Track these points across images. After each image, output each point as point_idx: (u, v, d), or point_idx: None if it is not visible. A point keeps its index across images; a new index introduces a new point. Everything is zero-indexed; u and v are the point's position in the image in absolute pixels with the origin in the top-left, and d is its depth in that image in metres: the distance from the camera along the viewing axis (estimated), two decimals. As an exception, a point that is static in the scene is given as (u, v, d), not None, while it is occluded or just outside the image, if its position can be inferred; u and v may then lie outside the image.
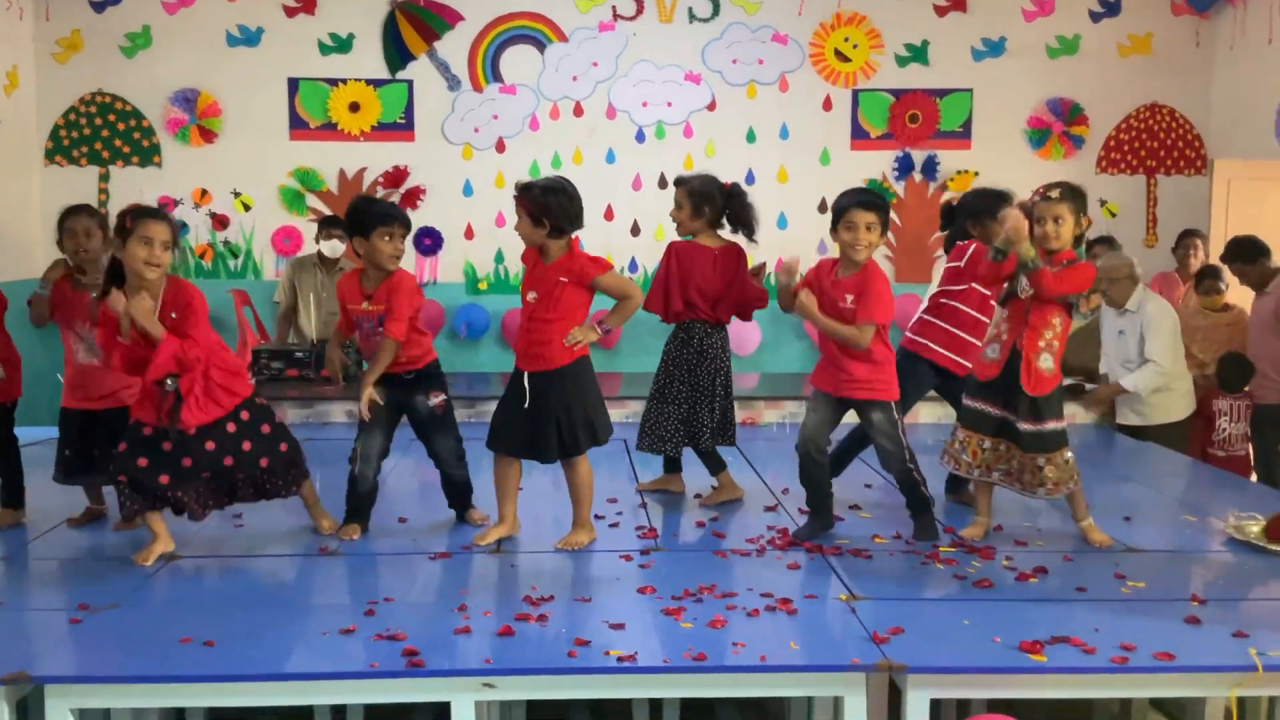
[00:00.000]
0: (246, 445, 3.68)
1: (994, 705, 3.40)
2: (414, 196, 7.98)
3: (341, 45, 7.91)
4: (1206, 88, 8.09)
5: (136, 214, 3.50)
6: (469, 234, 8.05)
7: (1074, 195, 3.72)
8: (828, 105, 8.07)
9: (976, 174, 7.94)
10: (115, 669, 2.78)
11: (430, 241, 8.01)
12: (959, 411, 4.00)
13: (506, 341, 7.91)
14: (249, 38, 7.87)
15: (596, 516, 3.99)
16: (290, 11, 7.86)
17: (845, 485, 4.45)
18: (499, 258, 8.06)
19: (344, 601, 3.28)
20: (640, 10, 7.97)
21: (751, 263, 4.47)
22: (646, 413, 4.45)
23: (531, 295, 3.77)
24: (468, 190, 8.03)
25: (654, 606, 3.19)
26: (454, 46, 7.95)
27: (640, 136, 8.05)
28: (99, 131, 7.88)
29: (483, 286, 8.08)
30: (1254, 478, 5.74)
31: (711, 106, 8.06)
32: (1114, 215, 8.11)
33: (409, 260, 7.66)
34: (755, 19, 8.00)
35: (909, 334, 4.43)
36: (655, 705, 3.64)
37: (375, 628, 2.98)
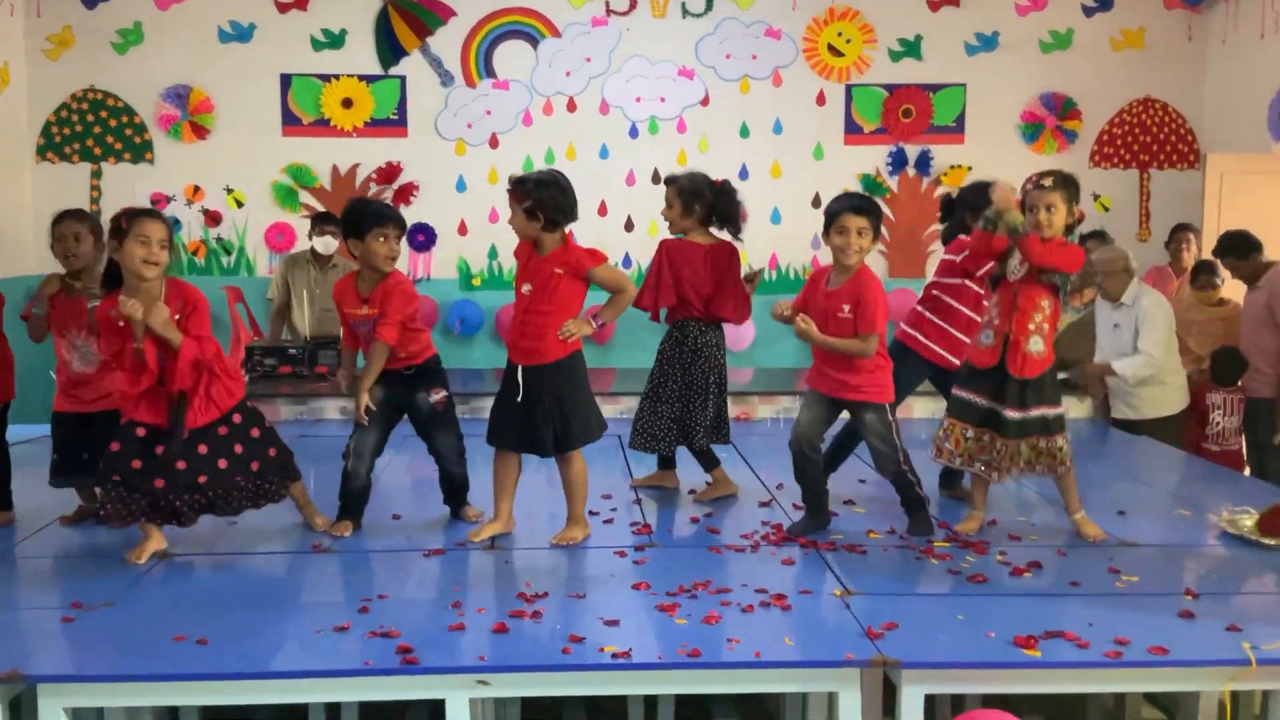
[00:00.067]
0: (238, 448, 3.67)
1: (988, 700, 3.41)
2: (407, 192, 7.96)
3: (334, 41, 7.89)
4: (1199, 82, 8.10)
5: (132, 215, 3.48)
6: (462, 230, 8.05)
7: (1066, 184, 3.73)
8: (821, 100, 8.07)
9: (970, 169, 7.95)
10: (108, 668, 2.77)
11: (424, 237, 8.00)
12: (948, 402, 4.01)
13: (501, 337, 7.90)
14: (241, 33, 7.85)
15: (591, 513, 3.99)
16: (282, 7, 7.84)
17: (839, 481, 4.44)
18: (493, 253, 8.05)
19: (338, 599, 3.28)
20: (633, 5, 7.96)
21: (745, 261, 4.46)
22: (640, 411, 4.44)
23: (526, 287, 3.77)
24: (461, 186, 8.02)
25: (649, 603, 3.18)
26: (447, 42, 7.93)
27: (634, 132, 8.04)
28: (91, 128, 7.85)
29: (476, 282, 8.08)
30: (1247, 472, 5.75)
31: (705, 101, 8.05)
32: (1107, 209, 8.13)
33: (403, 256, 7.64)
34: (748, 14, 7.99)
35: (903, 325, 4.44)
36: (650, 701, 3.65)
37: (369, 625, 2.98)
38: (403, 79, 7.94)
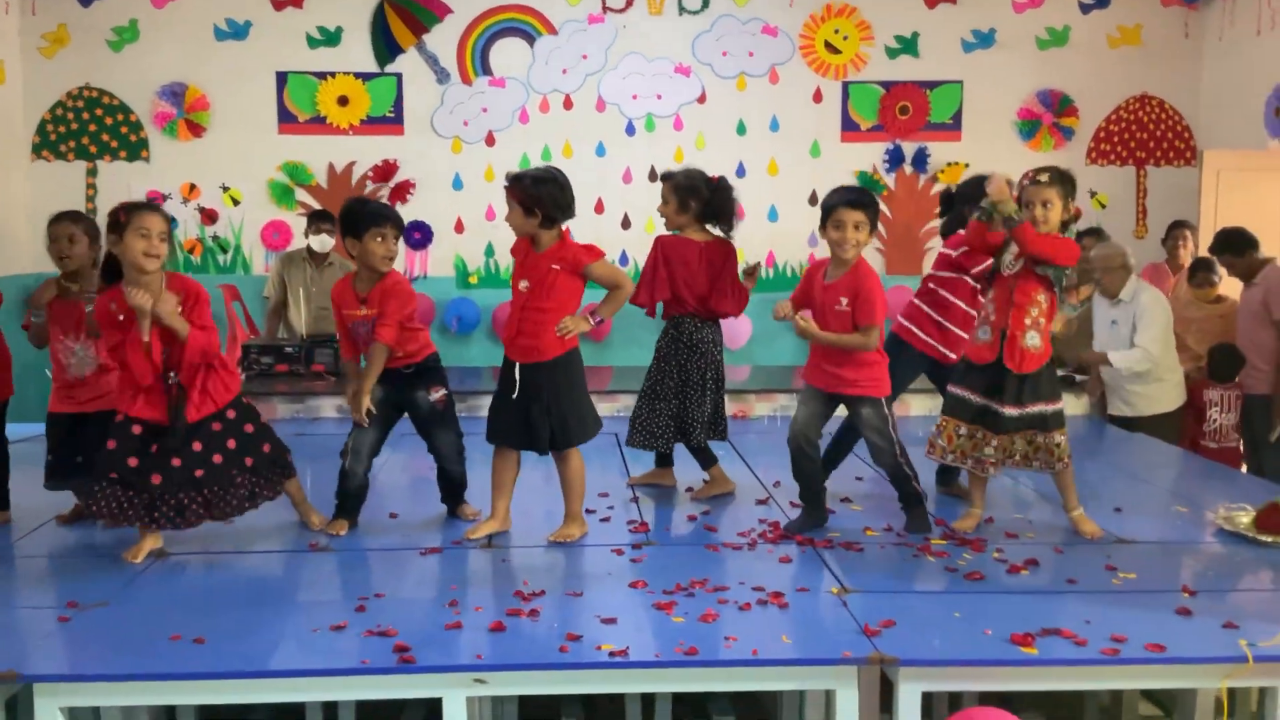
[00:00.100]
0: (232, 443, 3.65)
1: (986, 698, 3.41)
2: (403, 190, 7.96)
3: (330, 38, 7.87)
4: (1196, 79, 8.10)
5: (130, 208, 3.48)
6: (459, 228, 8.04)
7: (1063, 180, 3.73)
8: (818, 97, 8.06)
9: (967, 166, 7.95)
10: (105, 667, 2.76)
11: (420, 235, 7.99)
12: (944, 398, 4.01)
13: (498, 335, 7.90)
14: (237, 31, 7.83)
15: (588, 511, 3.98)
16: (278, 5, 7.83)
17: (836, 478, 4.43)
18: (489, 251, 8.05)
19: (335, 598, 3.27)
20: (630, 2, 7.96)
21: (742, 258, 4.46)
22: (638, 409, 4.44)
23: (524, 285, 3.77)
24: (457, 184, 8.01)
25: (646, 601, 3.18)
26: (443, 39, 7.93)
27: (630, 129, 8.04)
28: (86, 126, 7.84)
29: (473, 280, 8.07)
30: (1244, 469, 5.75)
31: (702, 99, 8.04)
32: (1104, 206, 8.13)
33: (399, 255, 7.63)
34: (745, 11, 7.99)
35: (900, 318, 4.44)
36: (647, 700, 3.64)
37: (366, 624, 2.97)
38: (399, 76, 7.93)
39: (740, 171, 7.90)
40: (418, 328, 3.98)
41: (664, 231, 4.44)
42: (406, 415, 4.03)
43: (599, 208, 7.96)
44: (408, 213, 7.73)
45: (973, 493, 3.99)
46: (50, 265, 4.11)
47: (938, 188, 8.02)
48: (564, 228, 3.79)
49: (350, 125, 7.92)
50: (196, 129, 7.88)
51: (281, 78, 7.88)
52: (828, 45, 8.04)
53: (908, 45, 8.04)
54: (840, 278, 3.83)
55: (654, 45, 7.99)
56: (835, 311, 3.82)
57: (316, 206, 7.57)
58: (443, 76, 7.95)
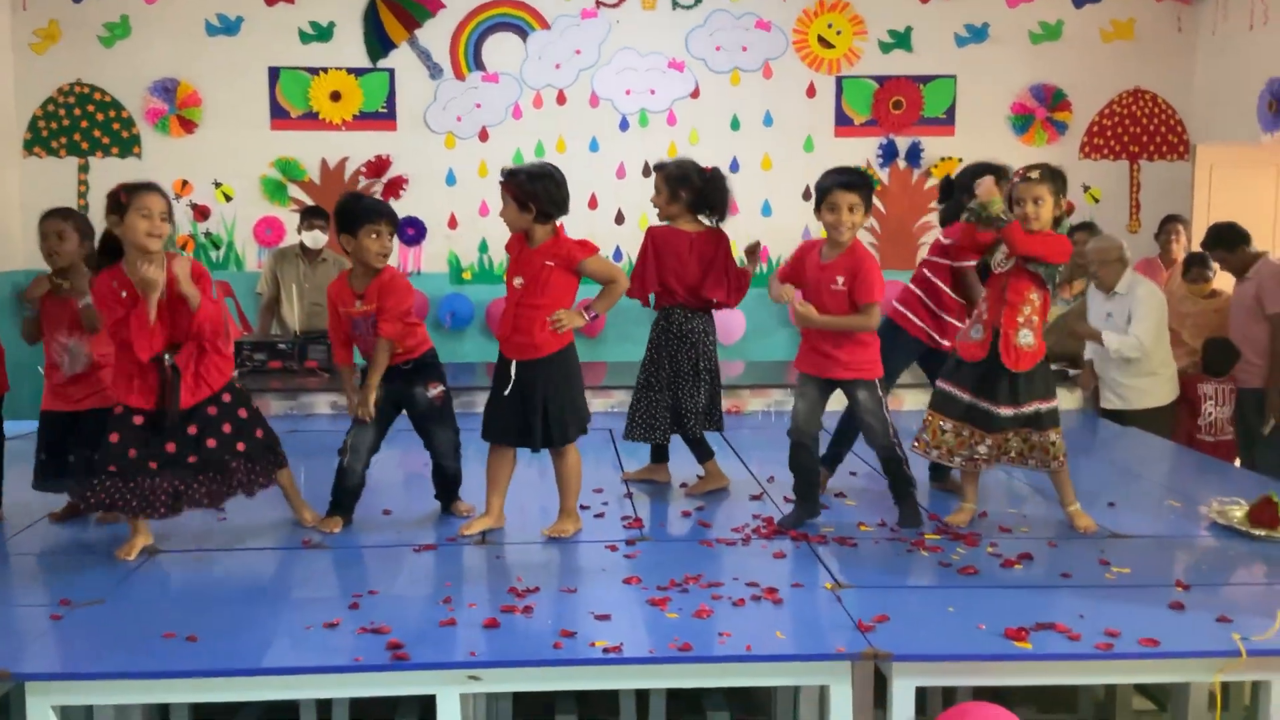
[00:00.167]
0: (227, 428, 3.65)
1: (980, 693, 3.41)
2: (396, 186, 7.94)
3: (322, 34, 7.85)
4: (1189, 73, 8.11)
5: (131, 189, 3.48)
6: (452, 224, 8.03)
7: (1053, 176, 3.73)
8: (811, 92, 8.06)
9: (960, 160, 7.94)
10: (97, 665, 2.75)
11: (413, 231, 7.98)
12: (932, 393, 4.01)
13: (491, 331, 7.88)
14: (228, 26, 7.81)
15: (581, 507, 3.98)
16: (270, 0, 7.80)
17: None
18: (483, 247, 8.03)
19: (328, 595, 3.26)
20: (623, -3, 7.95)
21: (735, 248, 4.45)
22: (634, 402, 4.44)
23: (518, 281, 3.76)
24: (451, 179, 7.99)
25: (640, 597, 3.18)
26: (435, 34, 7.91)
27: (624, 124, 8.03)
28: (78, 122, 7.81)
29: (467, 276, 8.06)
30: (1237, 463, 5.76)
31: (695, 94, 8.04)
32: (1097, 201, 8.13)
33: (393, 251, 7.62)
34: (738, 5, 7.98)
35: (894, 303, 4.44)
36: (641, 696, 3.64)
37: (360, 621, 2.97)
38: (391, 72, 7.91)
39: (734, 166, 7.89)
40: (415, 323, 3.98)
41: (657, 224, 4.44)
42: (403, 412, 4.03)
43: (592, 203, 7.95)
44: (401, 208, 7.71)
45: (965, 488, 3.99)
46: (43, 262, 4.09)
47: (932, 182, 8.03)
48: (558, 224, 3.79)
49: (343, 121, 7.90)
50: (188, 125, 7.85)
51: (274, 73, 7.85)
52: (821, 40, 8.03)
53: (901, 40, 8.04)
54: (837, 258, 3.83)
55: (647, 40, 7.98)
56: (831, 291, 3.81)
57: (309, 202, 7.55)
58: (436, 72, 7.93)
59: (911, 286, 4.43)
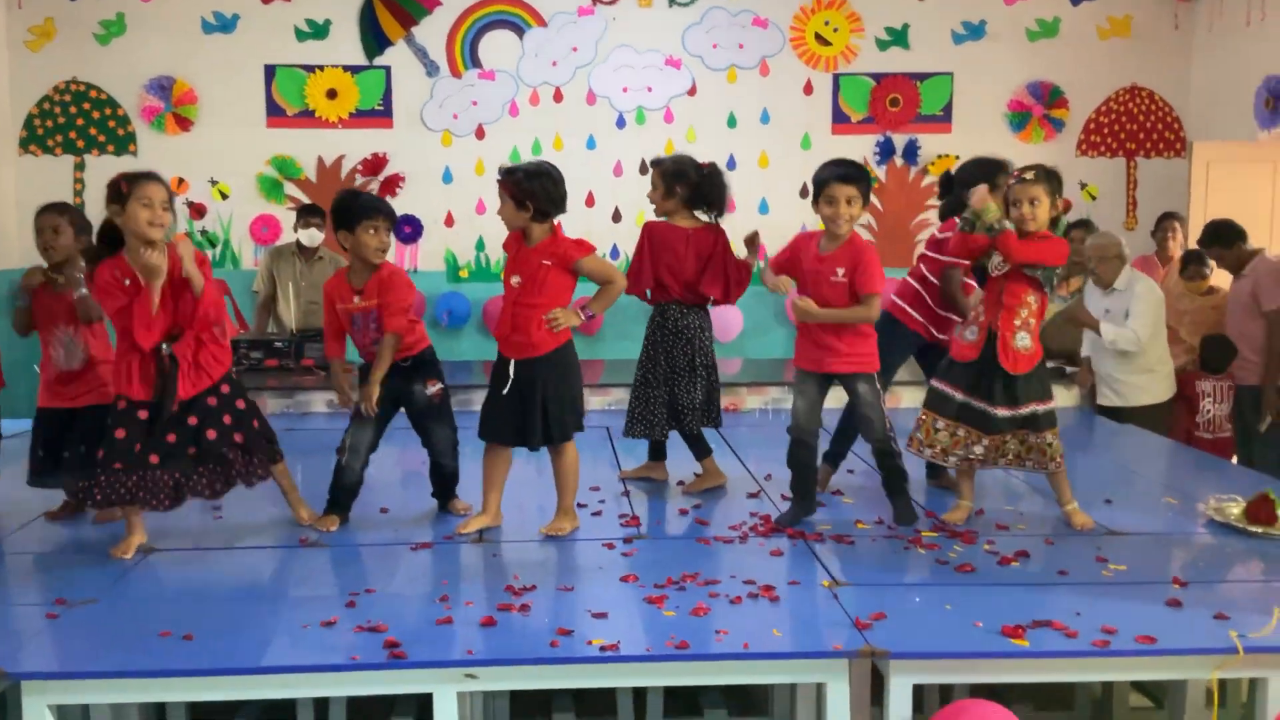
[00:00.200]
0: (226, 419, 3.66)
1: (977, 690, 3.41)
2: (393, 184, 7.93)
3: (318, 31, 7.84)
4: (1186, 70, 8.11)
5: (132, 178, 3.48)
6: (449, 221, 8.02)
7: (1049, 177, 3.73)
8: (809, 89, 8.05)
9: (957, 158, 7.93)
10: (93, 664, 2.75)
11: (410, 229, 7.97)
12: (926, 392, 4.01)
13: (488, 329, 7.88)
14: (224, 24, 7.80)
15: (579, 505, 3.98)
16: (266, -3, 7.80)
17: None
18: (480, 245, 8.03)
19: (325, 593, 3.26)
20: (619, -5, 7.94)
21: (733, 245, 4.45)
22: (632, 399, 4.44)
23: (515, 280, 3.76)
24: (447, 177, 7.98)
25: (637, 595, 3.18)
26: (432, 32, 7.90)
27: (621, 122, 8.02)
28: (74, 120, 7.80)
29: (464, 274, 8.05)
30: (1234, 459, 5.77)
31: (692, 91, 8.03)
32: (1094, 198, 8.13)
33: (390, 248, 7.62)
34: (735, 3, 7.97)
35: (892, 297, 4.44)
36: (639, 694, 3.64)
37: (356, 619, 2.96)
38: (387, 69, 7.90)
39: (731, 164, 7.88)
40: (414, 319, 3.98)
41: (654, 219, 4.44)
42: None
43: (589, 201, 7.94)
44: (397, 206, 7.62)
45: (961, 485, 3.99)
46: (39, 259, 4.08)
47: (929, 179, 8.03)
48: (556, 222, 3.78)
49: (339, 119, 7.89)
50: (184, 123, 7.84)
51: (270, 71, 7.84)
52: (818, 37, 8.03)
53: (898, 37, 8.04)
54: (836, 250, 3.83)
55: (644, 37, 7.97)
56: (831, 283, 3.81)
57: (305, 200, 7.54)
58: (432, 69, 7.92)
59: (909, 280, 4.43)
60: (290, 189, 7.91)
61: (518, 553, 3.63)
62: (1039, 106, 8.11)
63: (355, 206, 3.84)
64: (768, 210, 8.01)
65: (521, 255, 3.76)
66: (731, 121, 8.05)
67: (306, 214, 6.76)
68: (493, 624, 2.94)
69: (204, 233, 7.90)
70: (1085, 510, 3.90)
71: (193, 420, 3.59)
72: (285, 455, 3.89)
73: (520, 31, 7.93)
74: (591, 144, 8.00)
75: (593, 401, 3.97)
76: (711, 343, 4.46)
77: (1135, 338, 5.46)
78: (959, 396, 3.84)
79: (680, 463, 4.55)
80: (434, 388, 3.98)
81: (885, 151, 8.10)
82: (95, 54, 7.77)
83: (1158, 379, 5.67)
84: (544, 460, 3.93)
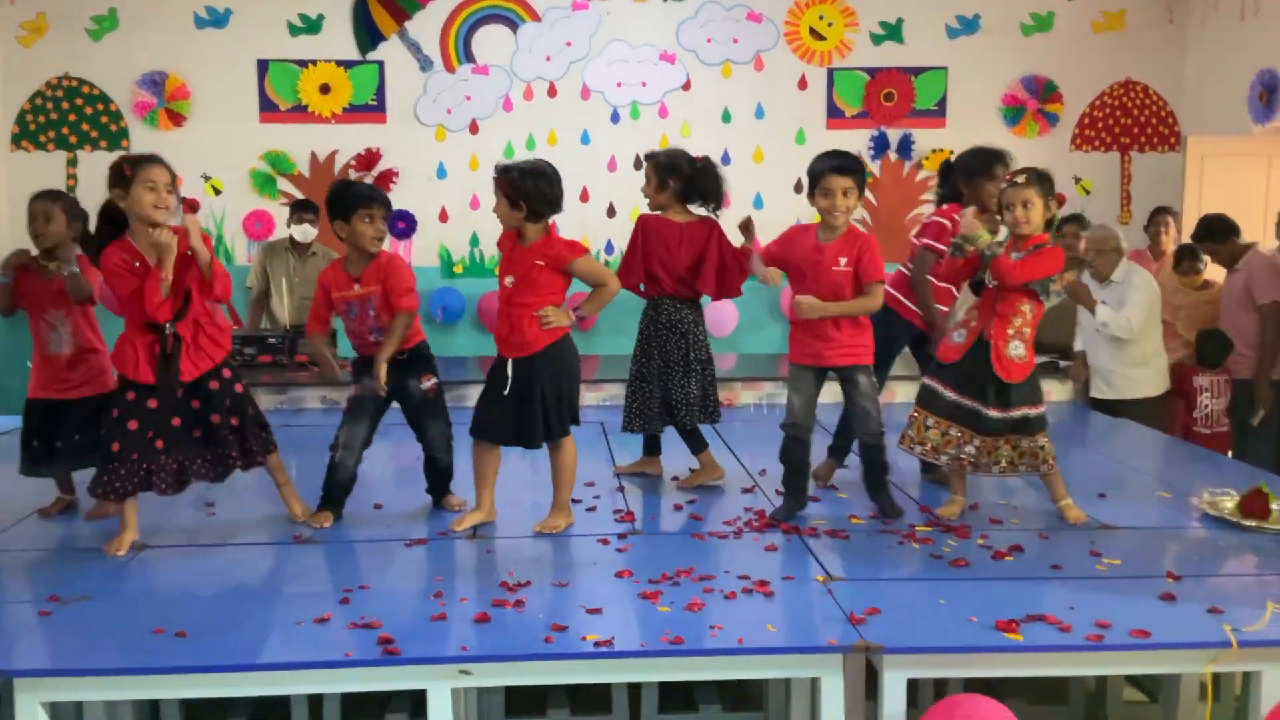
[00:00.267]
0: (227, 402, 3.68)
1: (971, 684, 3.42)
2: (387, 179, 7.91)
3: (311, 26, 7.82)
4: (1180, 64, 8.11)
5: (134, 162, 3.49)
6: (443, 217, 8.00)
7: (1041, 180, 3.72)
8: (803, 84, 8.05)
9: (952, 152, 7.92)
10: (87, 661, 2.74)
11: (404, 225, 7.95)
12: (919, 388, 4.01)
13: (483, 325, 7.88)
14: (217, 19, 7.77)
15: (573, 500, 3.97)
16: (258, -8, 7.77)
17: (817, 465, 4.45)
18: (474, 241, 8.01)
19: (319, 590, 3.25)
20: (613, -11, 7.92)
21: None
22: (628, 393, 4.44)
23: (509, 280, 3.75)
24: (441, 173, 7.97)
25: (631, 590, 3.17)
26: (425, 26, 7.88)
27: (615, 117, 8.01)
28: (66, 116, 7.77)
29: (458, 270, 8.04)
30: (1230, 453, 5.78)
31: (686, 86, 8.02)
32: (1088, 192, 8.14)
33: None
34: (729, -3, 7.96)
35: (886, 287, 4.44)
36: (633, 689, 3.64)
37: (350, 616, 2.96)
38: (381, 64, 7.88)
39: (725, 159, 7.87)
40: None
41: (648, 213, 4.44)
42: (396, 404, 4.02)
43: (584, 196, 7.93)
44: (391, 202, 7.66)
45: (954, 480, 3.99)
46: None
47: (924, 174, 8.02)
48: (550, 222, 3.77)
49: (332, 114, 7.87)
50: (177, 118, 7.82)
51: (262, 66, 7.82)
52: (812, 32, 8.02)
53: (892, 31, 8.03)
54: (837, 239, 3.83)
55: (638, 32, 7.96)
56: (833, 272, 3.80)
57: (299, 196, 7.53)
58: (425, 64, 7.90)
59: (903, 269, 4.43)
60: (283, 184, 7.89)
61: (512, 549, 3.63)
62: (1033, 101, 8.11)
63: (350, 195, 3.84)
64: (762, 205, 8.00)
65: (515, 255, 3.75)
66: (726, 116, 8.04)
67: (300, 210, 6.75)
68: (487, 620, 2.94)
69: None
70: (1079, 505, 3.90)
71: (195, 404, 3.62)
72: (279, 451, 3.88)
73: (514, 26, 7.91)
74: (586, 139, 7.99)
75: (587, 397, 3.97)
76: (706, 337, 4.46)
77: (1128, 325, 5.46)
78: (950, 395, 3.84)
79: (676, 458, 4.55)
80: (429, 382, 3.98)
81: (880, 146, 8.09)
82: (87, 49, 7.74)
83: (1152, 373, 5.67)
84: (538, 456, 3.92)
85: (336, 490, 3.93)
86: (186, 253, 3.51)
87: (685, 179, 4.32)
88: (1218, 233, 5.94)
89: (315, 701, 3.66)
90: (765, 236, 4.46)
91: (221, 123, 7.81)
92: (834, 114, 8.07)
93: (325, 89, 7.84)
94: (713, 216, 4.42)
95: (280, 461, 3.89)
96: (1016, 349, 3.76)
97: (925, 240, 4.32)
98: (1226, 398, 5.82)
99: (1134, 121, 8.18)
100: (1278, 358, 5.76)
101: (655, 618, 2.96)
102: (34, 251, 3.99)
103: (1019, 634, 2.81)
